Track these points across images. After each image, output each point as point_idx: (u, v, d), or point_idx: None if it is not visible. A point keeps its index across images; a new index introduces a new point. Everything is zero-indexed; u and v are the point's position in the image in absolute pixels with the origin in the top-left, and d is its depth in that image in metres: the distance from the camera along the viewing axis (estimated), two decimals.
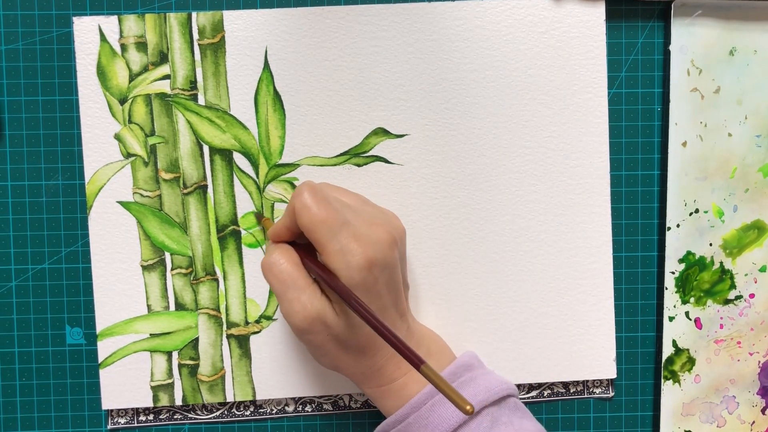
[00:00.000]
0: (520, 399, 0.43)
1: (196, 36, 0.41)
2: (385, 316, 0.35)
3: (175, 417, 0.43)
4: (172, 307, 0.42)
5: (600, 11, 0.42)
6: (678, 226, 0.43)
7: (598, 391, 0.44)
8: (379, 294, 0.35)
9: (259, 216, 0.42)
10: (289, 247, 0.36)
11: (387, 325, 0.34)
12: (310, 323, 0.34)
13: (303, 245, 0.37)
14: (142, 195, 0.41)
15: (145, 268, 0.42)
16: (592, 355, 0.43)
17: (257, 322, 0.42)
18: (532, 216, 0.42)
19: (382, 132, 0.42)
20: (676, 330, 0.44)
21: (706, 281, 0.44)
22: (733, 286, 0.44)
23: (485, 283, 0.42)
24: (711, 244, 0.43)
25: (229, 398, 0.42)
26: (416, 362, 0.29)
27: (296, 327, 0.35)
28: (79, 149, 0.41)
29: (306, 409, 0.43)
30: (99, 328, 0.41)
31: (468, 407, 0.27)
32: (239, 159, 0.41)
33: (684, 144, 0.43)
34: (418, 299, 0.42)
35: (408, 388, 0.36)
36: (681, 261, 0.43)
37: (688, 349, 0.44)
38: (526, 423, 0.37)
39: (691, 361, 0.44)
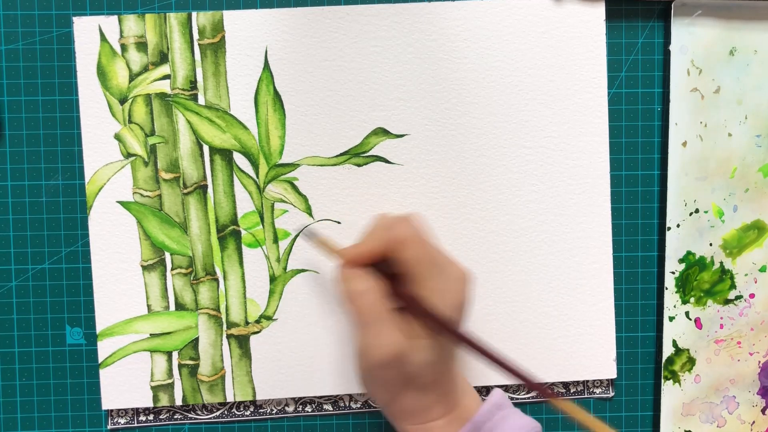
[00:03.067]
0: (521, 399, 0.43)
1: (196, 36, 0.41)
2: None
3: (175, 417, 0.43)
4: (172, 307, 0.42)
5: (600, 11, 0.42)
6: (678, 226, 0.43)
7: (598, 391, 0.44)
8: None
9: (311, 233, 0.40)
10: (374, 276, 0.34)
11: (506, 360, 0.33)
12: (391, 358, 0.32)
13: (385, 274, 0.35)
14: (142, 195, 0.41)
15: (145, 268, 0.42)
16: (592, 355, 0.43)
17: (257, 322, 0.42)
18: (532, 216, 0.42)
19: (382, 132, 0.42)
20: (676, 330, 0.43)
21: (706, 281, 0.44)
22: (733, 286, 0.44)
23: (485, 283, 0.42)
24: (711, 244, 0.43)
25: (229, 398, 0.42)
26: (550, 394, 0.29)
27: (375, 361, 0.33)
28: (79, 149, 0.41)
29: (306, 409, 0.43)
30: (99, 328, 0.41)
31: None
32: (239, 159, 0.41)
33: (684, 144, 0.43)
34: None
35: (446, 428, 0.35)
36: (681, 261, 0.43)
37: (688, 349, 0.44)
38: None
39: (691, 361, 0.44)
